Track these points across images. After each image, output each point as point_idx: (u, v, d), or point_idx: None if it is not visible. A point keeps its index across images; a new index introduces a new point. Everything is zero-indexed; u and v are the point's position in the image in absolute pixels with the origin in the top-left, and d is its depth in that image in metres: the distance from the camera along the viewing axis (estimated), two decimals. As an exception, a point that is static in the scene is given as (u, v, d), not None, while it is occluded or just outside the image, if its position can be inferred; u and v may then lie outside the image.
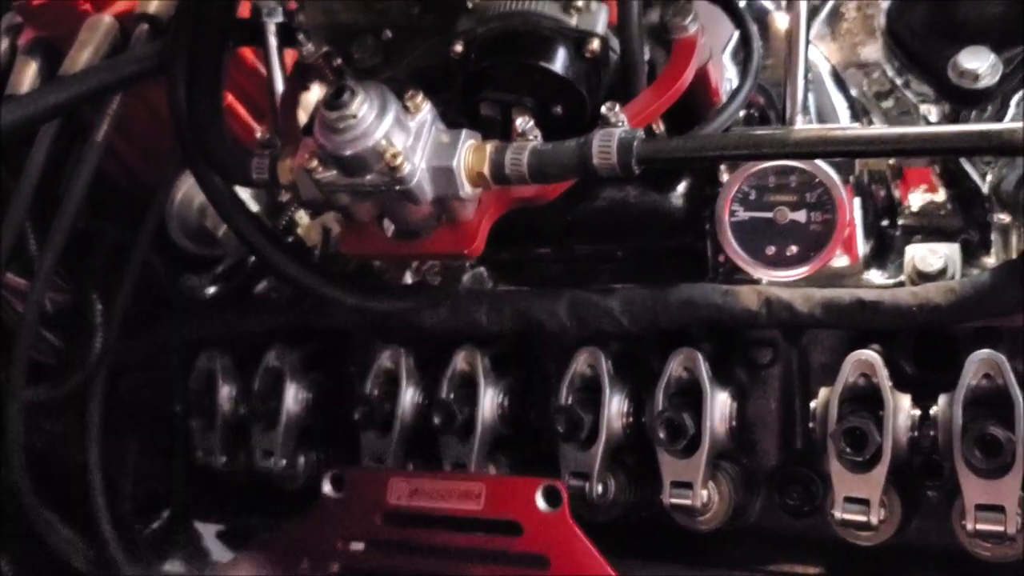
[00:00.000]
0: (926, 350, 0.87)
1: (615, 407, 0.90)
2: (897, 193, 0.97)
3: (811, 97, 0.91)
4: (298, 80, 0.94)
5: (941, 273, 0.85)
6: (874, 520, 0.80)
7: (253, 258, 1.14)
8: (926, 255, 0.86)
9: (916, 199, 0.95)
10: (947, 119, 0.93)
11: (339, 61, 0.89)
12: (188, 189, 1.09)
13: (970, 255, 0.89)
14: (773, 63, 0.94)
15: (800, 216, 0.83)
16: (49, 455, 1.15)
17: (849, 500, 0.81)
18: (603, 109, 0.74)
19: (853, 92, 0.99)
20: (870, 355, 0.82)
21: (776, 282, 0.86)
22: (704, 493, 0.86)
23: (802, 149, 0.72)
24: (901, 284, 0.86)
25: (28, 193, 0.96)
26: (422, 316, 0.96)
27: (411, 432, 0.99)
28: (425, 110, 0.74)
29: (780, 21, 0.98)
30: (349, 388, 1.09)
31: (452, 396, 0.96)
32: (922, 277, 0.85)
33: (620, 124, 0.73)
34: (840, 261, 0.87)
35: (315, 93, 0.96)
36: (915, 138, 0.69)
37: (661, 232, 0.93)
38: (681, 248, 0.94)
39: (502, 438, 0.97)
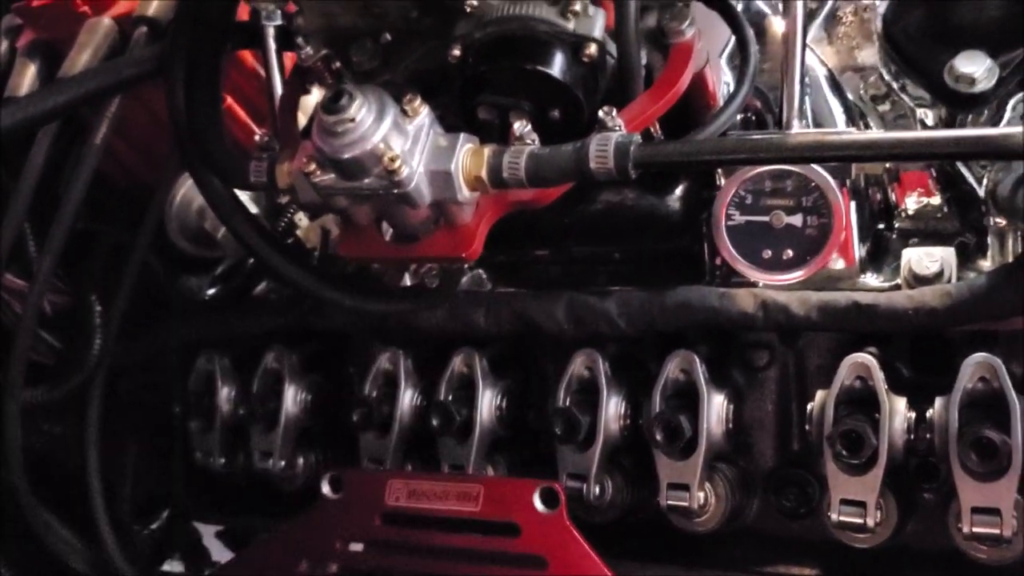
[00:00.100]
0: (922, 353, 0.87)
1: (612, 409, 0.90)
2: (893, 196, 0.97)
3: (808, 101, 0.92)
4: (297, 83, 0.95)
5: (937, 276, 0.85)
6: (870, 522, 0.81)
7: (252, 260, 1.14)
8: (922, 258, 0.86)
9: (912, 203, 0.95)
10: (944, 123, 0.93)
11: (338, 64, 0.89)
12: (187, 191, 1.09)
13: (966, 259, 0.89)
14: (770, 67, 0.95)
15: (796, 220, 0.83)
16: (48, 456, 1.15)
17: (845, 502, 0.81)
18: (600, 113, 0.74)
19: (850, 96, 0.99)
20: (866, 358, 0.82)
21: (772, 285, 0.86)
22: (701, 495, 0.87)
23: (798, 154, 0.72)
24: (897, 287, 0.86)
25: (27, 195, 0.97)
26: (420, 318, 0.96)
27: (409, 433, 0.99)
28: (423, 114, 0.74)
29: (777, 25, 0.98)
30: (348, 390, 1.09)
31: (450, 398, 0.96)
32: (918, 280, 0.85)
33: (617, 128, 0.73)
34: (836, 264, 0.87)
35: (314, 96, 0.97)
36: (912, 143, 0.69)
37: (658, 235, 0.93)
38: (678, 251, 0.94)
39: (500, 439, 0.97)
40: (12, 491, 1.04)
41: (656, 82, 0.81)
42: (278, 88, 0.96)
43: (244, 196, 0.96)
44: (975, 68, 0.86)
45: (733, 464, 0.92)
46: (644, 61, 0.82)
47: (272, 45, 0.95)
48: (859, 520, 0.81)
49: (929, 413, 0.81)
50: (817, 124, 0.92)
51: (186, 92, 0.88)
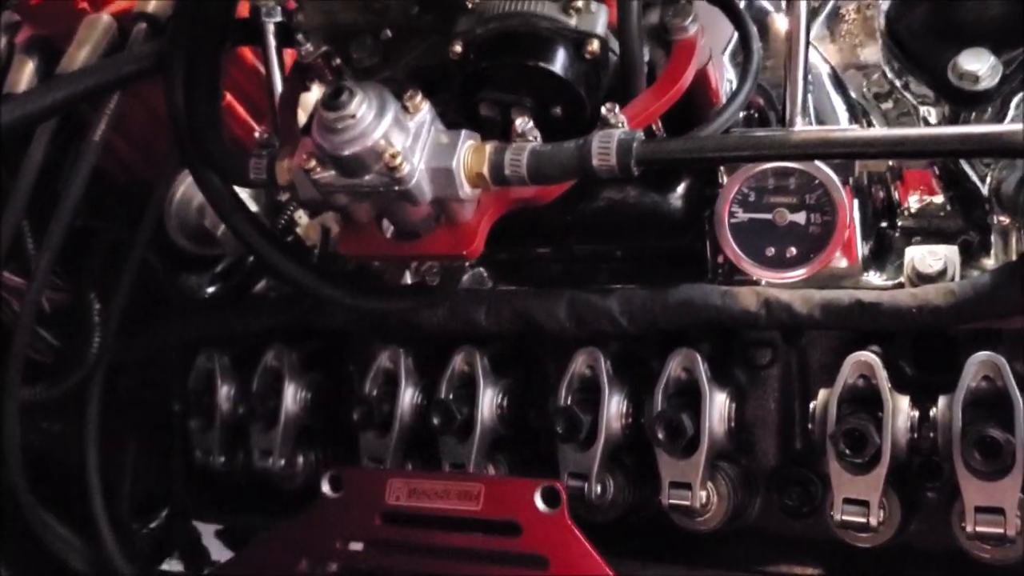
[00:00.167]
0: (925, 352, 0.87)
1: (614, 408, 0.90)
2: (896, 195, 0.97)
3: (810, 99, 0.91)
4: (297, 80, 0.94)
5: (940, 275, 0.84)
6: (873, 522, 0.80)
7: (252, 258, 1.14)
8: (925, 256, 0.85)
9: (915, 201, 0.95)
10: (947, 121, 0.93)
11: (338, 61, 0.89)
12: (187, 188, 1.09)
13: (970, 257, 0.89)
14: (773, 64, 0.94)
15: (799, 218, 0.83)
16: (47, 455, 1.15)
17: (848, 501, 0.81)
18: (603, 110, 0.74)
19: (852, 94, 0.99)
20: (869, 356, 0.82)
21: (775, 283, 0.86)
22: (703, 494, 0.86)
23: (802, 151, 0.71)
24: (900, 286, 0.85)
25: (26, 192, 0.96)
26: (421, 316, 0.96)
27: (410, 432, 0.99)
28: (424, 110, 0.74)
29: (780, 22, 0.98)
30: (348, 388, 1.09)
31: (451, 396, 0.96)
32: (921, 279, 0.85)
33: (620, 125, 0.73)
34: (839, 263, 0.86)
35: (315, 94, 0.96)
36: (916, 140, 0.69)
37: (660, 233, 0.93)
38: (680, 249, 0.93)
39: (501, 438, 0.97)
40: (11, 490, 1.04)
41: (659, 79, 0.80)
42: (278, 85, 0.95)
43: (244, 194, 0.95)
44: (979, 65, 0.85)
45: (735, 463, 0.92)
46: (647, 58, 0.82)
47: (272, 42, 0.95)
48: (862, 519, 0.81)
49: (932, 412, 0.81)
50: (820, 122, 0.92)
51: (185, 89, 0.88)
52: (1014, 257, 0.86)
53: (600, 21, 0.79)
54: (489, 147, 0.74)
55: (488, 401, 0.95)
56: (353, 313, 0.98)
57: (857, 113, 0.97)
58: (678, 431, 0.86)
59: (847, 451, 0.80)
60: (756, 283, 0.87)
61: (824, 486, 0.88)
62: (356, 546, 0.93)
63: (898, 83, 0.97)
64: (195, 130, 0.86)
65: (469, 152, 0.74)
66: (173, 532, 1.22)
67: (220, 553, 1.30)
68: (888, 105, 1.01)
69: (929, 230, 0.94)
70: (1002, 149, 0.67)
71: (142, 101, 1.04)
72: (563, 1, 0.78)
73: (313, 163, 0.74)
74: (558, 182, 0.76)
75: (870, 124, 0.99)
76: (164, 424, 1.16)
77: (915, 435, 0.81)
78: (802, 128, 0.85)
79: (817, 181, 0.83)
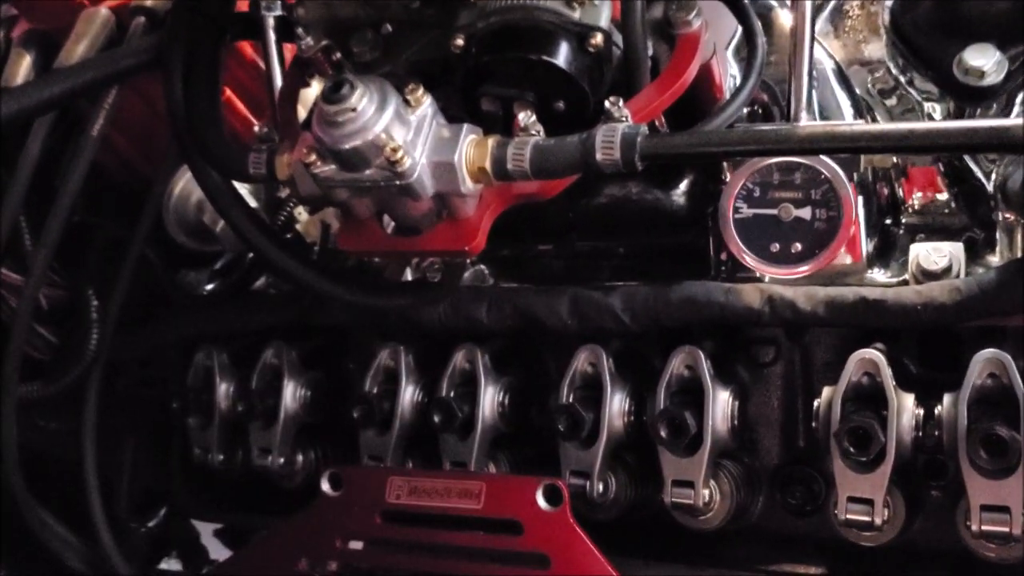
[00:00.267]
0: (930, 349, 0.86)
1: (616, 405, 0.89)
2: (901, 192, 0.97)
3: (815, 95, 0.90)
4: (297, 74, 0.93)
5: (945, 272, 0.84)
6: (878, 520, 0.80)
7: (251, 254, 1.13)
8: (930, 253, 0.85)
9: (920, 198, 0.94)
10: (951, 117, 0.93)
11: (338, 55, 0.88)
12: (185, 184, 1.08)
13: (974, 254, 0.88)
14: (776, 60, 0.93)
15: (805, 213, 0.82)
16: (44, 453, 1.14)
17: (852, 500, 0.80)
18: (607, 104, 0.73)
19: (857, 90, 0.98)
20: (874, 354, 0.82)
21: (779, 280, 0.85)
22: (705, 492, 0.86)
23: (808, 145, 0.71)
24: (905, 283, 0.85)
25: (23, 187, 0.95)
26: (422, 313, 0.95)
27: (410, 430, 0.98)
28: (426, 104, 0.73)
29: (784, 18, 0.97)
30: (348, 386, 1.08)
31: (452, 394, 0.95)
32: (926, 276, 0.84)
33: (624, 119, 0.72)
34: (843, 260, 0.86)
35: (314, 90, 0.96)
36: (923, 134, 0.68)
37: (663, 229, 0.92)
38: (683, 246, 0.93)
39: (502, 436, 0.96)
40: (8, 488, 1.03)
41: (663, 73, 0.80)
42: (278, 80, 0.94)
43: (243, 190, 0.95)
44: (984, 61, 0.85)
45: (738, 461, 0.91)
46: (650, 52, 0.81)
47: (272, 36, 0.94)
48: (866, 518, 0.80)
49: (937, 410, 0.80)
50: (824, 117, 0.91)
51: (185, 83, 0.87)
52: (1019, 254, 0.86)
53: (604, 14, 0.78)
54: (491, 141, 0.74)
55: (489, 399, 0.94)
56: (353, 310, 0.97)
57: (862, 109, 0.96)
58: (681, 429, 0.85)
59: (851, 449, 0.79)
60: (759, 280, 0.86)
61: (827, 485, 0.87)
62: (356, 545, 0.92)
63: (902, 79, 0.96)
64: (194, 125, 0.86)
65: (471, 146, 0.73)
66: (171, 531, 1.21)
67: (219, 552, 1.29)
68: (892, 101, 1.01)
69: (933, 227, 0.93)
70: (1009, 144, 0.66)
71: (141, 96, 1.03)
72: (566, -6, 0.78)
73: (313, 157, 0.73)
74: (561, 177, 0.75)
75: (874, 120, 0.98)
76: (162, 422, 1.15)
77: (920, 433, 0.80)
78: (808, 123, 0.85)
79: (823, 176, 0.82)
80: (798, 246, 0.83)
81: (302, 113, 0.94)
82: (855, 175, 0.85)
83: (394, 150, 0.70)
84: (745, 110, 0.90)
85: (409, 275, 1.02)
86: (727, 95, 0.87)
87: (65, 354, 1.06)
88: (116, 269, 1.03)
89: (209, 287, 1.18)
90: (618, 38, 0.80)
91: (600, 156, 0.70)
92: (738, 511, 0.89)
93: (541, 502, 0.84)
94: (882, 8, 0.94)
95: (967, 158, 0.91)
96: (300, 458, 1.06)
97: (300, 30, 0.87)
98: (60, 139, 1.00)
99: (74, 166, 0.95)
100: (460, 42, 0.79)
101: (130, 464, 1.15)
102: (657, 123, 0.85)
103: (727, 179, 0.87)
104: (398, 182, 0.72)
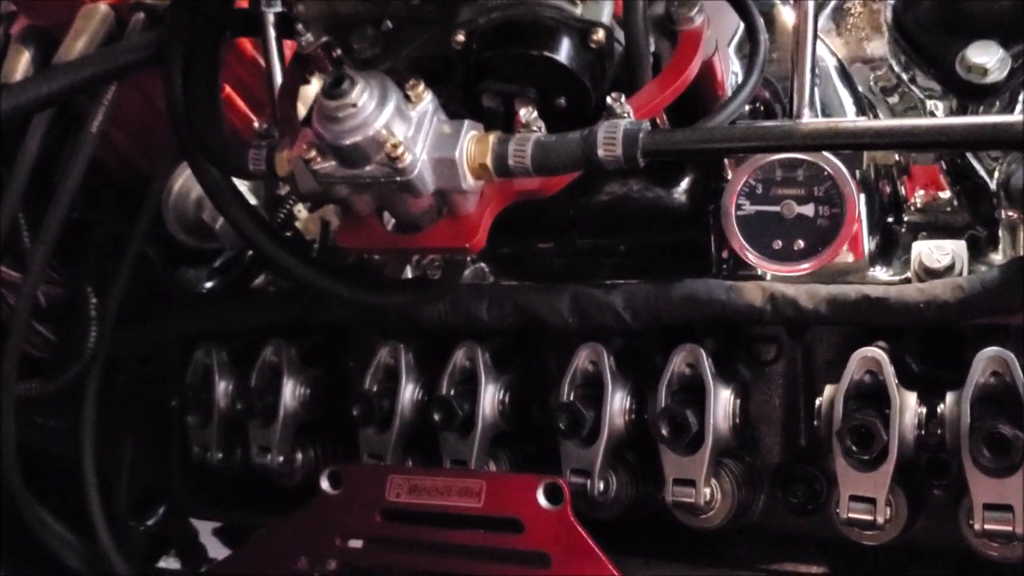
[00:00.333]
0: (932, 347, 0.86)
1: (617, 404, 0.89)
2: (903, 190, 0.96)
3: (817, 92, 0.90)
4: (297, 71, 0.93)
5: (948, 270, 0.84)
6: (880, 519, 0.79)
7: (250, 252, 1.13)
8: (933, 251, 0.85)
9: (922, 196, 0.94)
10: (954, 115, 0.92)
11: (338, 52, 0.87)
12: (184, 181, 1.08)
13: (977, 252, 0.88)
14: (778, 57, 0.93)
15: (808, 210, 0.82)
16: (43, 451, 1.13)
17: (855, 499, 0.80)
18: (608, 100, 0.73)
19: (859, 88, 0.98)
20: (876, 352, 0.81)
21: (780, 278, 0.85)
22: (707, 491, 0.85)
23: (812, 141, 0.70)
24: (907, 281, 0.84)
25: (21, 184, 0.95)
26: (422, 311, 0.95)
27: (410, 428, 0.98)
28: (427, 100, 0.73)
29: (786, 15, 0.97)
30: (348, 384, 1.08)
31: (452, 392, 0.95)
32: (929, 274, 0.84)
33: (626, 115, 0.72)
34: (845, 258, 0.85)
35: (314, 87, 0.95)
36: (926, 130, 0.68)
37: (664, 227, 0.92)
38: (684, 243, 0.93)
39: (503, 435, 0.96)
40: (6, 486, 1.02)
41: (665, 69, 0.80)
42: (278, 76, 0.94)
43: (243, 188, 0.94)
44: (987, 58, 0.85)
45: (739, 460, 0.91)
46: (652, 48, 0.81)
47: (272, 32, 0.93)
48: (868, 517, 0.80)
49: (940, 408, 0.80)
50: (826, 115, 0.91)
51: (184, 80, 0.87)
52: (1022, 252, 0.85)
53: (606, 10, 0.78)
54: (492, 137, 0.73)
55: (490, 397, 0.94)
56: (353, 308, 0.97)
57: (864, 107, 0.96)
58: (682, 427, 0.85)
59: (854, 448, 0.79)
60: (760, 278, 0.86)
61: (829, 483, 0.87)
62: (356, 543, 0.91)
63: (905, 77, 0.96)
64: (193, 121, 0.85)
65: (472, 142, 0.73)
66: (170, 529, 1.21)
67: (217, 551, 1.29)
68: (894, 99, 1.00)
69: (936, 225, 0.93)
70: (1015, 140, 0.66)
71: (140, 92, 1.03)
72: (567, -10, 0.77)
73: (313, 153, 0.73)
74: (563, 173, 0.75)
75: (877, 118, 0.98)
76: (161, 419, 1.15)
77: (922, 432, 0.80)
78: (811, 119, 0.84)
79: (826, 173, 0.81)
80: (801, 243, 0.82)
81: (301, 111, 0.93)
82: (857, 172, 0.84)
83: (395, 146, 0.70)
84: (746, 108, 0.90)
85: (409, 273, 1.01)
86: (728, 93, 0.86)
87: (64, 352, 1.06)
88: (115, 266, 1.03)
89: (208, 285, 1.17)
90: (620, 34, 0.80)
91: (602, 152, 0.70)
92: (739, 510, 0.89)
93: (542, 500, 0.84)
94: (884, 5, 0.94)
95: (970, 156, 0.91)
96: (299, 456, 1.06)
97: (300, 26, 0.86)
98: (59, 136, 1.00)
99: (73, 163, 0.95)
100: (461, 38, 0.79)
101: (129, 462, 1.15)
102: (658, 120, 0.84)
103: (728, 177, 0.87)
104: (399, 178, 0.72)
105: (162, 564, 1.25)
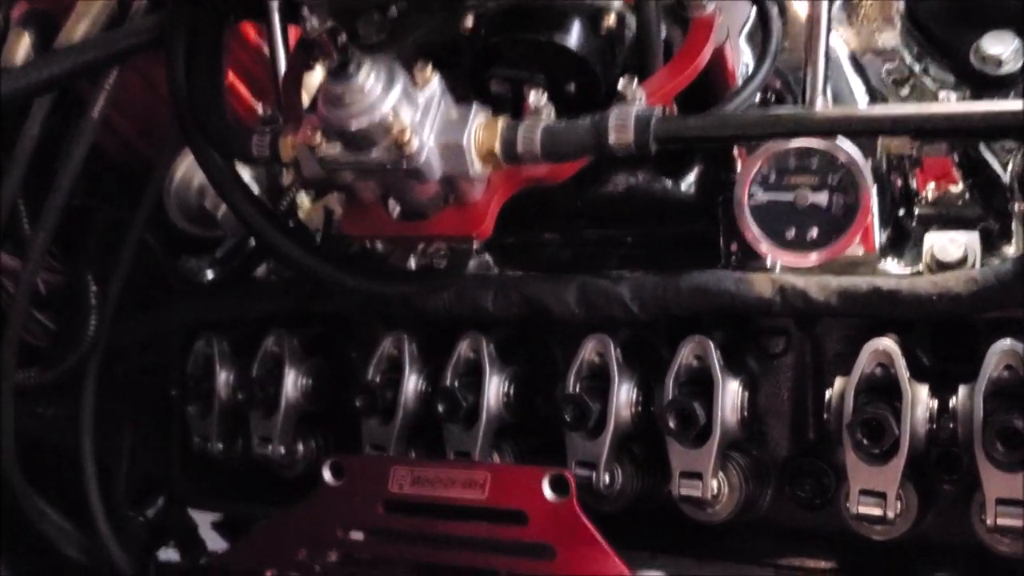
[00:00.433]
0: (944, 340, 0.85)
1: (624, 395, 0.88)
2: (915, 182, 0.95)
3: (829, 82, 0.89)
4: (301, 57, 0.92)
5: (961, 262, 0.83)
6: (890, 514, 0.79)
7: (253, 240, 1.12)
8: (945, 244, 0.84)
9: (934, 188, 0.93)
10: (969, 105, 0.91)
11: (344, 37, 0.86)
12: (187, 168, 1.07)
13: (990, 245, 0.86)
14: (790, 46, 0.92)
15: (821, 199, 0.81)
16: (42, 440, 1.13)
17: (865, 493, 0.79)
18: (620, 85, 0.72)
19: (871, 79, 0.97)
20: (888, 344, 0.80)
21: (790, 269, 0.84)
22: (714, 484, 0.84)
23: (826, 127, 0.70)
24: (919, 274, 0.83)
25: (21, 169, 0.94)
26: (426, 301, 0.94)
27: (414, 420, 0.97)
28: (434, 83, 0.72)
29: (798, 5, 0.96)
30: (350, 374, 1.07)
31: (456, 383, 0.94)
32: (941, 266, 0.83)
33: (637, 101, 0.71)
34: (856, 250, 0.84)
35: (318, 74, 0.94)
36: (945, 117, 0.67)
37: (672, 218, 0.91)
38: (693, 235, 0.91)
39: (507, 426, 0.95)
40: (5, 476, 1.02)
41: (676, 56, 0.78)
42: (282, 62, 0.93)
43: (245, 176, 0.93)
44: (1002, 49, 0.84)
45: (747, 453, 0.90)
46: (663, 35, 0.80)
47: (276, 17, 0.92)
48: (878, 511, 0.79)
49: (952, 402, 0.79)
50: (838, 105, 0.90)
51: (187, 64, 0.86)
52: (1036, 245, 0.84)
53: (617, -5, 0.77)
54: (501, 123, 0.72)
55: (494, 388, 0.93)
56: (356, 297, 0.96)
57: (876, 98, 0.95)
58: (689, 420, 0.84)
59: (864, 441, 0.78)
60: (769, 270, 0.85)
61: (838, 477, 0.86)
62: (357, 535, 0.91)
63: (917, 68, 0.95)
64: (196, 106, 0.84)
65: (480, 128, 0.72)
66: (170, 520, 1.20)
67: (218, 542, 1.28)
68: (906, 91, 0.99)
69: (948, 218, 0.91)
70: (1034, 128, 0.65)
71: (142, 76, 1.02)
72: (579, -26, 0.76)
73: (318, 138, 0.72)
74: (572, 160, 0.74)
75: (888, 109, 0.96)
76: (162, 409, 1.14)
77: (934, 425, 0.79)
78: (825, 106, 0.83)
79: (840, 161, 0.80)
80: (814, 232, 0.81)
81: (305, 100, 0.92)
82: (869, 163, 0.83)
83: (402, 131, 0.69)
84: (757, 97, 0.88)
85: (414, 262, 1.00)
86: (739, 81, 0.85)
87: (63, 340, 1.05)
88: (116, 254, 1.02)
89: (210, 273, 1.16)
90: (631, 20, 0.79)
91: (613, 138, 0.69)
92: (747, 504, 0.88)
93: (547, 492, 0.83)
94: (896, -3, 0.93)
95: (983, 148, 0.90)
96: (301, 447, 1.05)
97: (305, 11, 0.85)
98: (60, 121, 0.98)
99: (74, 148, 0.94)
100: (470, 23, 0.78)
101: (128, 452, 1.14)
102: (668, 109, 0.83)
103: (738, 168, 0.86)
104: (405, 164, 0.71)
105: (161, 555, 1.24)
